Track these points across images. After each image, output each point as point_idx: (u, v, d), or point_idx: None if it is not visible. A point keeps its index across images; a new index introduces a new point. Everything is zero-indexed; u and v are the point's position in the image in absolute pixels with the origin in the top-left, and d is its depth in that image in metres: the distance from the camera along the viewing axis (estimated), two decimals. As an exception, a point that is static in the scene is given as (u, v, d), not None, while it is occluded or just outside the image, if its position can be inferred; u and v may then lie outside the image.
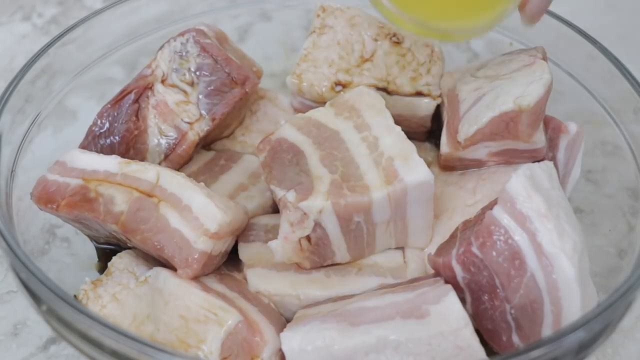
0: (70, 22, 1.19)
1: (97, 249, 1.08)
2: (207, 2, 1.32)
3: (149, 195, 0.94)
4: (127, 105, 1.07)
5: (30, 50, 1.15)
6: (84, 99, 1.21)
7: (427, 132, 1.18)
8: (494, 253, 0.87)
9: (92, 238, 1.07)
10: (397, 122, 1.01)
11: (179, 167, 1.10)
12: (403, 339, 0.84)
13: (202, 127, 1.07)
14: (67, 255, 1.08)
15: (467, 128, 1.00)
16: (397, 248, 1.02)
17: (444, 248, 0.96)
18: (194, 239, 0.91)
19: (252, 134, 1.17)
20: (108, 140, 1.07)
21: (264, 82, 1.18)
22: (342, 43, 1.14)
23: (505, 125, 0.99)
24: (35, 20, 1.57)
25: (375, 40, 1.14)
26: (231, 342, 0.87)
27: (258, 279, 0.98)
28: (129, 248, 1.01)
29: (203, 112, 1.07)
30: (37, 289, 0.83)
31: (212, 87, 1.07)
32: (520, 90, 0.98)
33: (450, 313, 0.86)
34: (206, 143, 1.15)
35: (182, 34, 1.09)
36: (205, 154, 1.15)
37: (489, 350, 0.90)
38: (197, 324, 0.87)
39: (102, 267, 1.06)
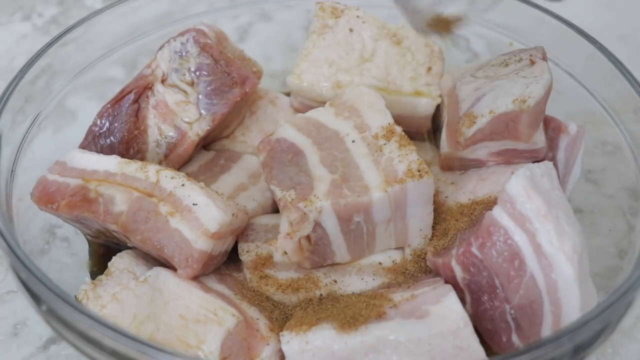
0: (70, 22, 1.19)
1: (90, 246, 1.08)
2: (207, 2, 1.32)
3: (149, 195, 0.94)
4: (127, 105, 1.07)
5: (30, 50, 1.14)
6: (84, 99, 1.21)
7: (427, 132, 1.18)
8: (494, 253, 0.87)
9: (91, 237, 1.07)
10: (397, 122, 1.01)
11: (179, 167, 1.10)
12: (403, 339, 0.84)
13: (202, 127, 1.07)
14: (67, 255, 1.08)
15: (467, 128, 1.00)
16: (397, 248, 1.02)
17: (444, 248, 0.96)
18: (194, 238, 0.91)
19: (252, 134, 1.17)
20: (108, 140, 1.07)
21: (264, 82, 1.18)
22: (342, 43, 1.14)
23: (505, 126, 0.99)
24: (35, 20, 1.57)
25: (375, 40, 1.13)
26: (231, 342, 0.87)
27: (258, 279, 0.99)
28: (129, 248, 1.01)
29: (203, 112, 1.07)
30: (37, 289, 0.83)
31: (212, 87, 1.07)
32: (520, 90, 0.98)
33: (450, 313, 0.86)
34: (206, 143, 1.15)
35: (182, 34, 1.08)
36: (205, 154, 1.15)
37: (489, 350, 0.90)
38: (197, 324, 0.87)
39: (95, 265, 1.06)
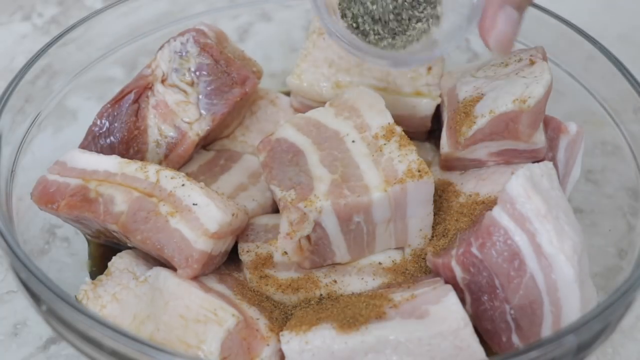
0: (70, 22, 1.19)
1: (89, 246, 1.08)
2: (207, 2, 1.32)
3: (149, 195, 0.94)
4: (127, 105, 1.07)
5: (30, 50, 1.15)
6: (84, 99, 1.21)
7: (427, 132, 1.18)
8: (494, 254, 0.87)
9: (91, 237, 1.07)
10: (397, 122, 1.01)
11: (179, 167, 1.10)
12: (403, 339, 0.84)
13: (202, 127, 1.07)
14: (67, 255, 1.08)
15: (467, 128, 1.00)
16: (397, 248, 1.02)
17: (444, 248, 0.96)
18: (194, 238, 0.91)
19: (252, 134, 1.17)
20: (108, 140, 1.07)
21: (264, 82, 1.18)
22: (342, 43, 1.14)
23: (505, 126, 0.99)
24: (35, 20, 1.57)
25: (375, 40, 1.13)
26: (231, 342, 0.87)
27: (258, 279, 0.99)
28: (129, 248, 1.01)
29: (203, 112, 1.08)
30: (37, 289, 0.83)
31: (212, 87, 1.07)
32: (520, 90, 0.98)
33: (450, 313, 0.86)
34: (206, 143, 1.15)
35: (182, 34, 1.09)
36: (205, 154, 1.15)
37: (489, 350, 0.90)
38: (197, 324, 0.87)
39: (94, 265, 1.06)
